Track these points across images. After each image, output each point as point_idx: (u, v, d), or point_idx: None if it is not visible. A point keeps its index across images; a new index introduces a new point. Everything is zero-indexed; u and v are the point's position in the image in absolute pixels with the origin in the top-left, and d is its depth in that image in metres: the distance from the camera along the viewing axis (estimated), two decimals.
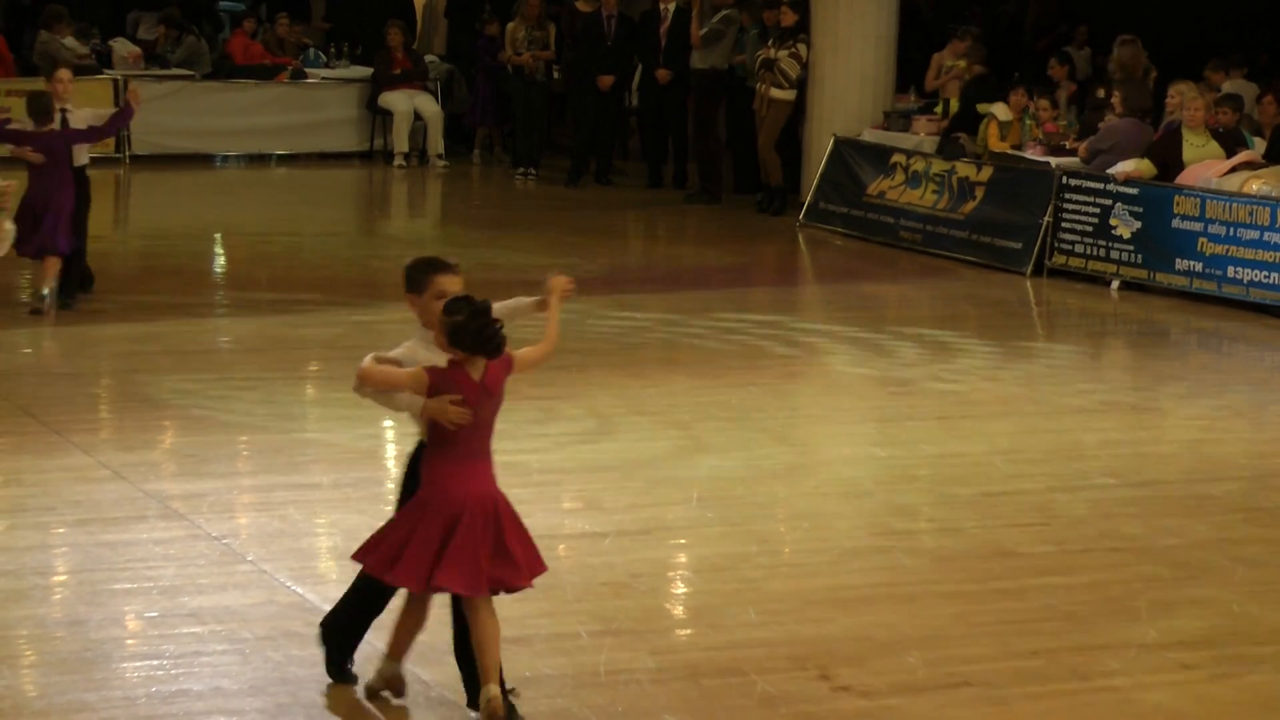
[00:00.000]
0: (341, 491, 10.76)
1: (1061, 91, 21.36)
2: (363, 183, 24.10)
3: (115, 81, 23.72)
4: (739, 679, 8.28)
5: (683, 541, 10.37)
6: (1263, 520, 11.05)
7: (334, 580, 9.44)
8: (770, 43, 21.81)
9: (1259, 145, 18.55)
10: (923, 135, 20.93)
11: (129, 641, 8.57)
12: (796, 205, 21.63)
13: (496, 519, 7.77)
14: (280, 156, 24.20)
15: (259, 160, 24.18)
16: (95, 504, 10.43)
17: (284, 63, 25.26)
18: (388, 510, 10.46)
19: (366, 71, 25.21)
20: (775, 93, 21.71)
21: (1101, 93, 20.67)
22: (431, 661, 8.28)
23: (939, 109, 21.33)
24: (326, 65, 25.69)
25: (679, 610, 9.54)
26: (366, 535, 9.97)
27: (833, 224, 20.97)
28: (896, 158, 20.54)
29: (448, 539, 7.65)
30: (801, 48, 21.56)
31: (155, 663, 8.22)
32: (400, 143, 24.39)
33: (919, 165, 20.24)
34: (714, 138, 23.11)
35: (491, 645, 7.63)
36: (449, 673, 8.08)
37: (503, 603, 9.13)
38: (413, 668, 8.18)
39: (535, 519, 10.33)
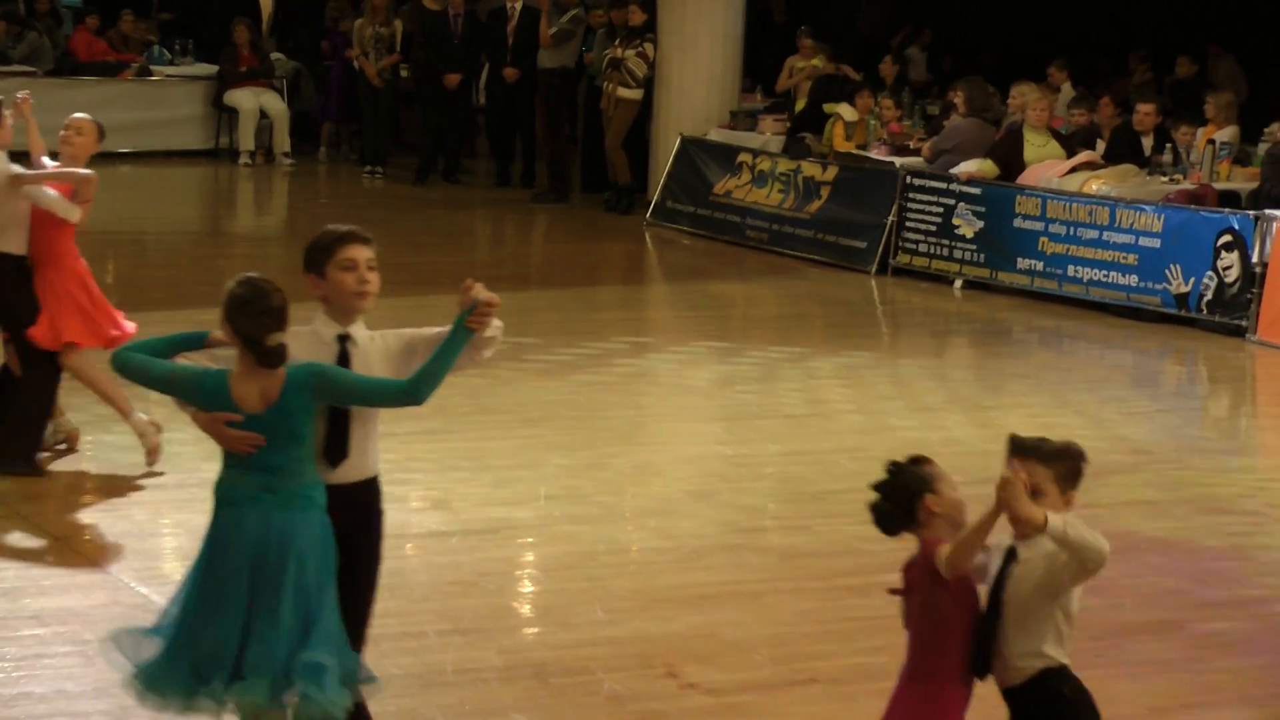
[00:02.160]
0: (187, 491, 10.63)
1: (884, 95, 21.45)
2: (208, 181, 23.93)
3: None
4: (586, 677, 8.28)
5: (530, 540, 10.36)
6: (1101, 516, 11.04)
7: (178, 581, 9.35)
8: (617, 42, 21.86)
9: (1099, 146, 18.75)
10: (769, 135, 21.02)
11: None
12: (644, 204, 21.68)
13: None
14: (125, 154, 23.95)
15: (103, 158, 23.89)
16: None
17: (128, 59, 25.04)
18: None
19: (212, 69, 25.05)
20: (622, 92, 21.75)
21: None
22: None
23: (796, 109, 21.39)
24: (171, 62, 25.49)
25: (526, 609, 9.53)
26: None
27: (680, 223, 21.02)
28: (743, 157, 20.61)
29: None
30: (648, 47, 21.61)
31: None
32: (246, 141, 24.25)
33: (765, 165, 20.31)
34: (562, 137, 23.13)
35: None
36: None
37: None
38: None
39: (388, 518, 10.32)
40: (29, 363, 10.81)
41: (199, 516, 10.09)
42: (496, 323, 6.54)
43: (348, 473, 6.62)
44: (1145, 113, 18.99)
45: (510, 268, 19.79)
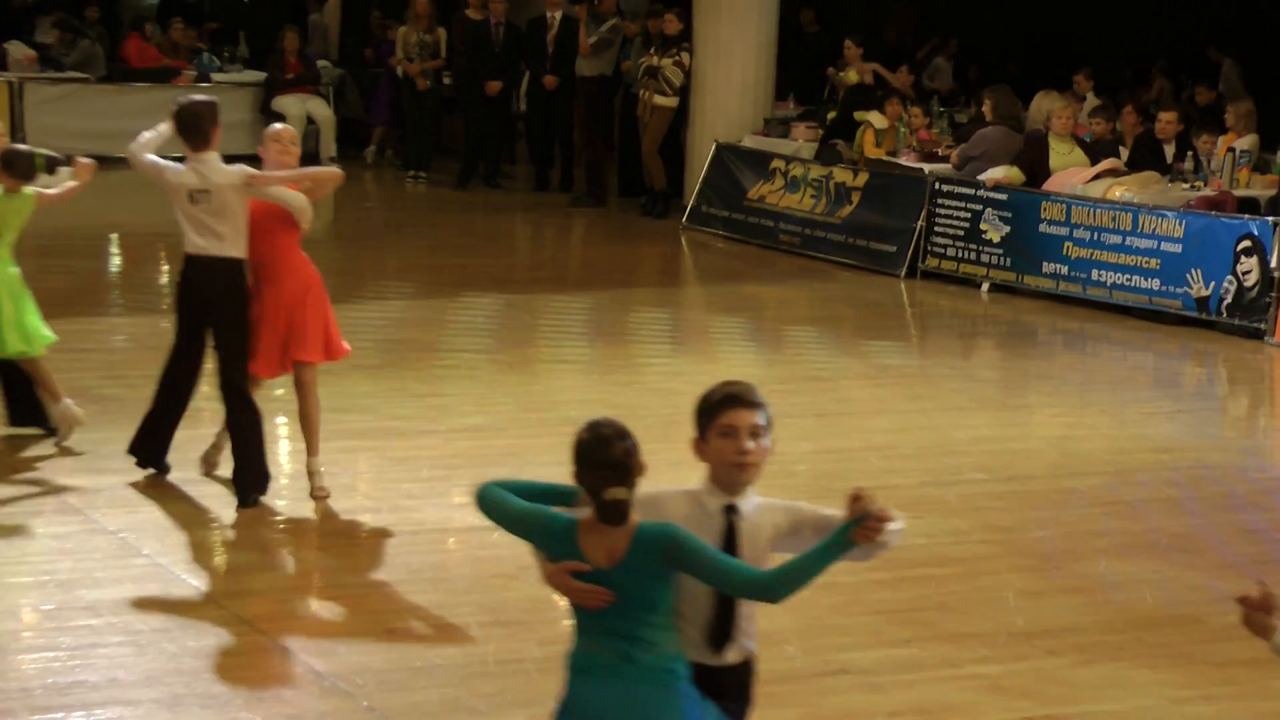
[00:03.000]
0: (232, 489, 10.69)
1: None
2: None
3: (10, 84, 23.51)
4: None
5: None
6: (1123, 513, 11.17)
7: (227, 573, 9.41)
8: (652, 50, 21.86)
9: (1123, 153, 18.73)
10: (801, 141, 21.01)
11: (25, 634, 8.50)
12: (679, 208, 21.69)
13: None
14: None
15: None
16: None
17: (178, 66, 25.09)
18: (281, 504, 10.49)
19: (260, 76, 25.10)
20: (659, 99, 21.75)
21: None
22: (326, 653, 8.27)
23: (828, 116, 21.38)
24: (219, 69, 25.54)
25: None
26: (264, 532, 10.00)
27: (714, 227, 21.03)
28: (776, 163, 20.61)
29: None
30: (684, 55, 21.62)
31: (52, 654, 8.16)
32: None
33: (798, 171, 20.32)
34: (599, 143, 23.14)
35: None
36: (344, 663, 8.07)
37: (393, 593, 9.15)
38: (307, 658, 8.16)
39: (426, 513, 10.42)
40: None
41: (248, 513, 10.20)
42: (894, 526, 5.69)
43: (730, 654, 5.83)
44: (1167, 121, 18.99)
45: (549, 270, 19.82)
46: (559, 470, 10.54)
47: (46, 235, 19.96)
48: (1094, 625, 9.18)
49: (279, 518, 10.24)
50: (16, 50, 24.51)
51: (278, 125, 10.88)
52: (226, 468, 10.49)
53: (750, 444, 5.79)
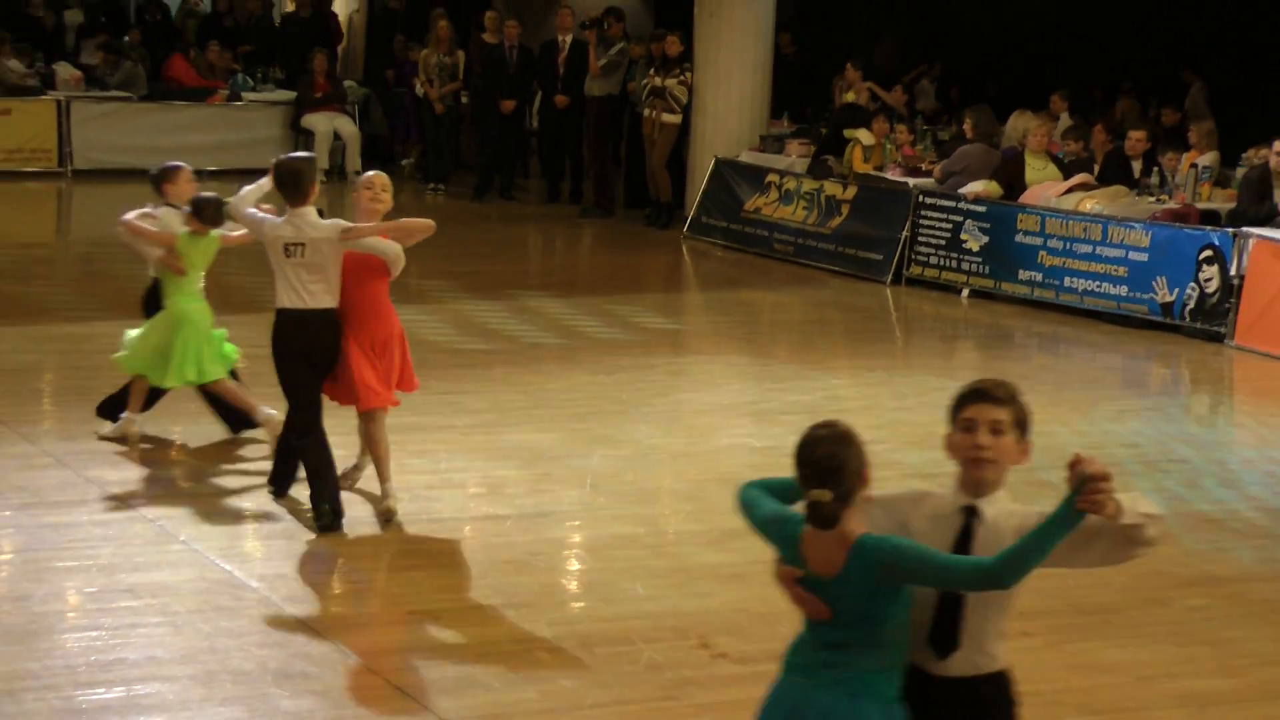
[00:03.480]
0: (265, 479, 10.69)
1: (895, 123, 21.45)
2: None
3: (58, 103, 23.50)
4: (628, 647, 8.30)
5: (577, 523, 10.38)
6: None
7: (259, 558, 9.41)
8: (653, 71, 21.87)
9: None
10: (794, 157, 21.00)
11: (70, 615, 8.50)
12: (681, 219, 21.67)
13: None
14: (211, 172, 24.00)
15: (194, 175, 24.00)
16: (39, 489, 10.35)
17: (215, 85, 25.09)
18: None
19: (290, 95, 25.09)
20: (666, 117, 21.75)
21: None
22: (349, 633, 8.26)
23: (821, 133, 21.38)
24: (253, 89, 25.54)
25: (573, 586, 9.55)
26: (287, 518, 9.99)
27: (714, 236, 21.02)
28: (771, 177, 20.60)
29: None
30: (689, 75, 21.62)
31: (94, 634, 8.16)
32: (321, 160, 24.26)
33: (791, 184, 20.31)
34: (607, 158, 23.14)
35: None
36: (367, 643, 8.06)
37: (412, 578, 9.14)
38: (332, 638, 8.16)
39: (443, 503, 10.42)
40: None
41: (273, 504, 10.21)
42: (1146, 509, 5.22)
43: (961, 665, 5.21)
44: (1136, 139, 18.98)
45: (559, 276, 19.82)
46: (572, 462, 10.47)
47: (89, 243, 20.03)
48: (1065, 609, 9.17)
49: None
50: (64, 71, 24.52)
51: (370, 173, 10.33)
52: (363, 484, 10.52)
53: (986, 439, 5.26)
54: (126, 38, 27.09)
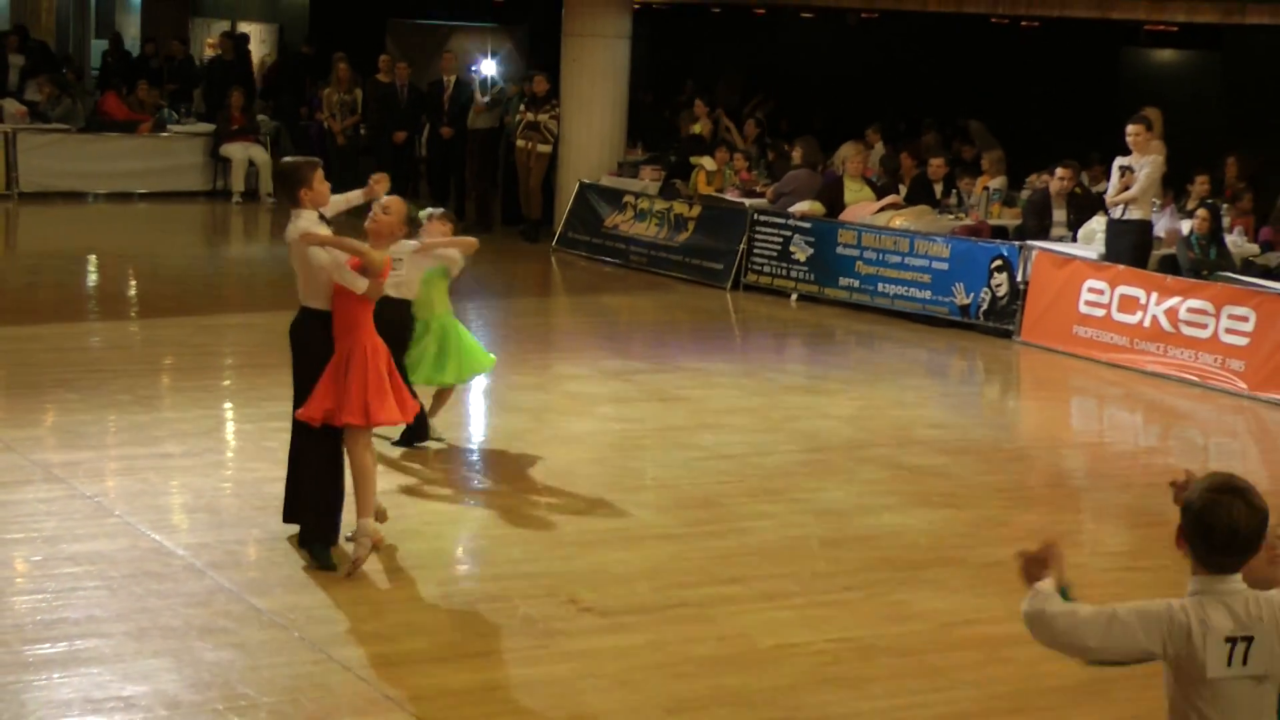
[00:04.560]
0: (190, 459, 10.58)
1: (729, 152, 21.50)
2: (207, 216, 23.65)
3: (5, 134, 23.10)
4: (505, 603, 8.28)
5: (463, 496, 10.33)
6: (903, 477, 11.27)
7: (185, 529, 9.29)
8: (524, 107, 21.90)
9: (902, 190, 18.87)
10: (648, 181, 21.01)
11: (18, 580, 8.36)
12: (550, 234, 21.64)
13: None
14: (141, 194, 23.69)
15: (124, 197, 23.66)
16: None
17: (144, 119, 24.73)
18: (229, 474, 10.36)
19: (209, 127, 24.81)
20: (541, 147, 21.73)
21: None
22: (265, 593, 8.18)
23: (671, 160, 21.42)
24: (177, 122, 25.22)
25: (459, 551, 9.51)
26: (213, 497, 9.87)
27: (578, 249, 20.99)
28: (628, 198, 20.60)
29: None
30: (558, 111, 21.62)
31: (39, 597, 8.04)
32: (237, 184, 24.02)
33: (645, 204, 20.32)
34: (487, 182, 23.05)
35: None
36: (281, 602, 7.98)
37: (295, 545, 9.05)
38: (250, 598, 8.08)
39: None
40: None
41: (199, 479, 10.09)
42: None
43: None
44: (936, 165, 19.17)
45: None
46: (468, 445, 10.36)
47: (35, 256, 19.71)
48: (881, 565, 9.25)
49: (228, 484, 10.13)
50: (10, 106, 24.09)
51: (389, 196, 9.08)
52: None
53: None
54: (65, 72, 26.65)
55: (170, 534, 9.13)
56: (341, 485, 8.79)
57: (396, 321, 10.04)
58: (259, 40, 32.24)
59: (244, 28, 32.39)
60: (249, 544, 9.09)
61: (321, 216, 8.75)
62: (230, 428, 11.70)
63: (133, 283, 17.78)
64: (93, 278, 18.39)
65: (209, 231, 22.86)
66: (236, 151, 24.24)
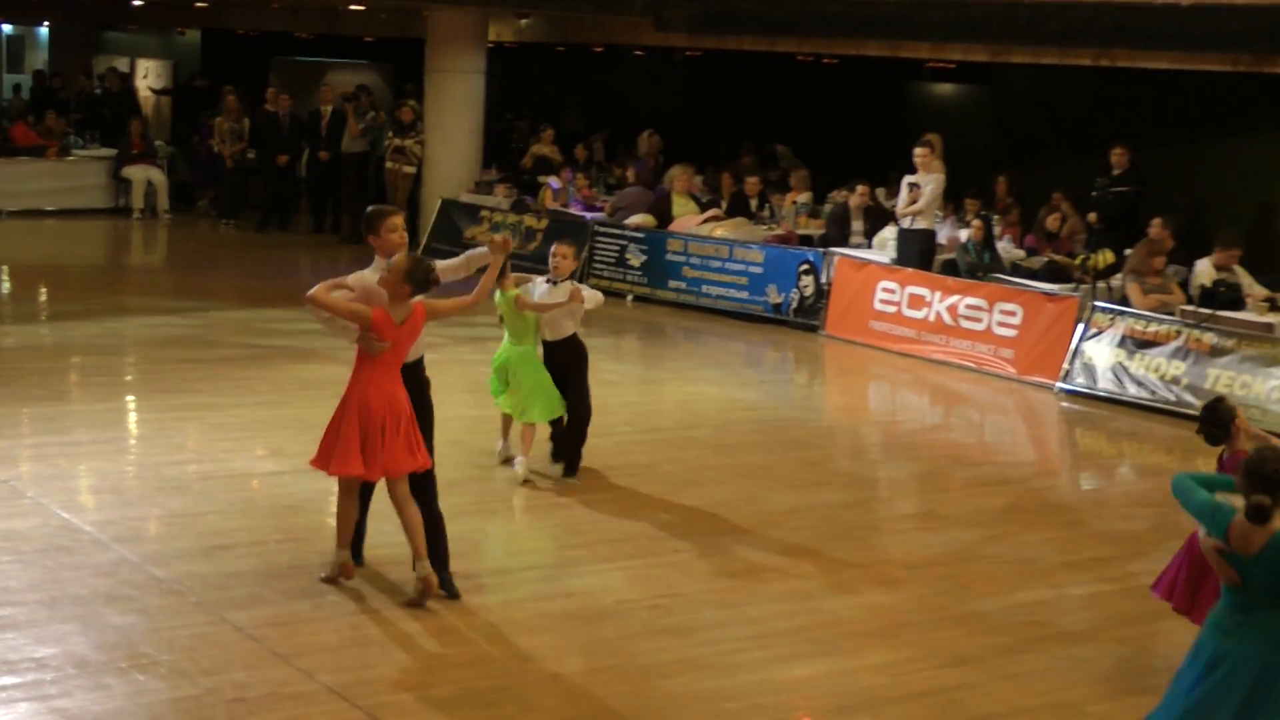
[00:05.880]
0: (97, 446, 10.38)
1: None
2: (110, 230, 23.18)
3: None
4: (379, 570, 8.22)
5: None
6: (726, 453, 11.35)
7: (91, 508, 9.11)
8: (391, 133, 21.81)
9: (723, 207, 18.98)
10: (501, 197, 20.95)
11: None
12: (416, 245, 21.47)
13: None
14: (50, 211, 23.18)
15: (35, 214, 23.15)
16: None
17: (50, 145, 24.19)
18: (132, 458, 10.17)
19: (112, 151, 24.34)
20: (406, 168, 21.64)
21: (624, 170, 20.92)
22: (165, 563, 8.04)
23: (521, 178, 21.39)
24: (83, 147, 24.71)
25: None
26: (117, 479, 9.69)
27: (441, 259, 20.80)
28: (484, 212, 20.51)
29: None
30: (422, 136, 21.51)
31: None
32: (137, 202, 23.59)
33: (499, 218, 20.24)
34: (360, 198, 22.84)
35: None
36: (178, 571, 7.84)
37: (213, 521, 8.93)
38: (150, 568, 7.93)
39: (238, 463, 10.17)
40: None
41: (105, 464, 9.90)
42: None
43: None
44: (752, 184, 19.31)
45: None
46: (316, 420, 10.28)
47: None
48: (707, 531, 9.30)
49: (131, 468, 9.95)
50: None
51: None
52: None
53: None
54: None
55: (78, 512, 8.95)
56: (417, 517, 7.80)
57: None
58: (156, 75, 31.69)
59: (143, 64, 31.82)
60: (149, 520, 8.94)
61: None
62: (133, 418, 11.48)
63: (43, 290, 17.38)
64: (6, 285, 17.95)
65: (111, 244, 22.40)
66: (136, 173, 23.88)
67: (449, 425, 11.75)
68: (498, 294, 10.14)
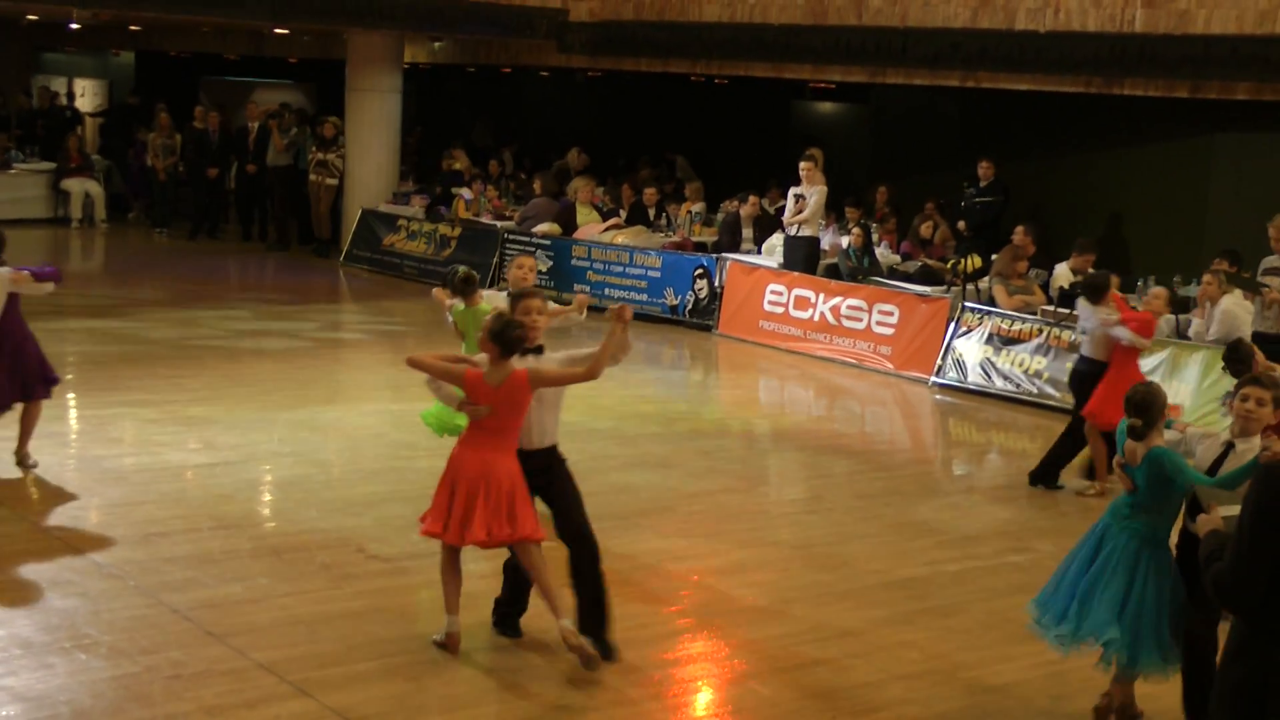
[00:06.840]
0: (39, 441, 10.16)
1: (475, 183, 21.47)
2: (50, 239, 22.80)
3: None
4: (306, 554, 8.19)
5: (268, 467, 10.15)
6: (626, 443, 11.37)
7: (35, 500, 8.97)
8: (315, 148, 21.65)
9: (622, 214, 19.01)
10: (417, 207, 20.85)
11: None
12: (338, 252, 21.34)
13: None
14: None
15: None
16: None
17: None
18: (72, 452, 10.01)
19: (51, 165, 23.96)
20: (328, 180, 21.49)
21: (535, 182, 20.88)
22: (104, 549, 7.92)
23: (436, 191, 21.30)
24: (24, 161, 24.30)
25: (266, 511, 9.32)
26: (59, 471, 9.55)
27: (362, 264, 20.73)
28: (401, 221, 20.42)
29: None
30: (343, 150, 21.36)
31: None
32: (75, 212, 23.26)
33: (415, 226, 20.16)
34: (285, 208, 22.65)
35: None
36: (117, 556, 7.73)
37: (147, 510, 8.82)
38: (91, 554, 7.82)
39: (172, 456, 10.06)
40: None
41: (48, 458, 9.73)
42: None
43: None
44: (650, 194, 19.34)
45: (252, 293, 19.26)
46: (263, 424, 10.16)
47: None
48: (609, 515, 9.28)
49: (72, 461, 9.80)
50: None
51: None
52: None
53: (1253, 407, 6.08)
54: None
55: (23, 505, 8.81)
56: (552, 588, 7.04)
57: None
58: (92, 94, 31.20)
59: (79, 83, 31.32)
60: (90, 510, 8.82)
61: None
62: (73, 414, 11.30)
63: None
64: None
65: (51, 252, 22.03)
66: (75, 185, 23.55)
67: (372, 419, 11.71)
68: (459, 305, 9.42)
